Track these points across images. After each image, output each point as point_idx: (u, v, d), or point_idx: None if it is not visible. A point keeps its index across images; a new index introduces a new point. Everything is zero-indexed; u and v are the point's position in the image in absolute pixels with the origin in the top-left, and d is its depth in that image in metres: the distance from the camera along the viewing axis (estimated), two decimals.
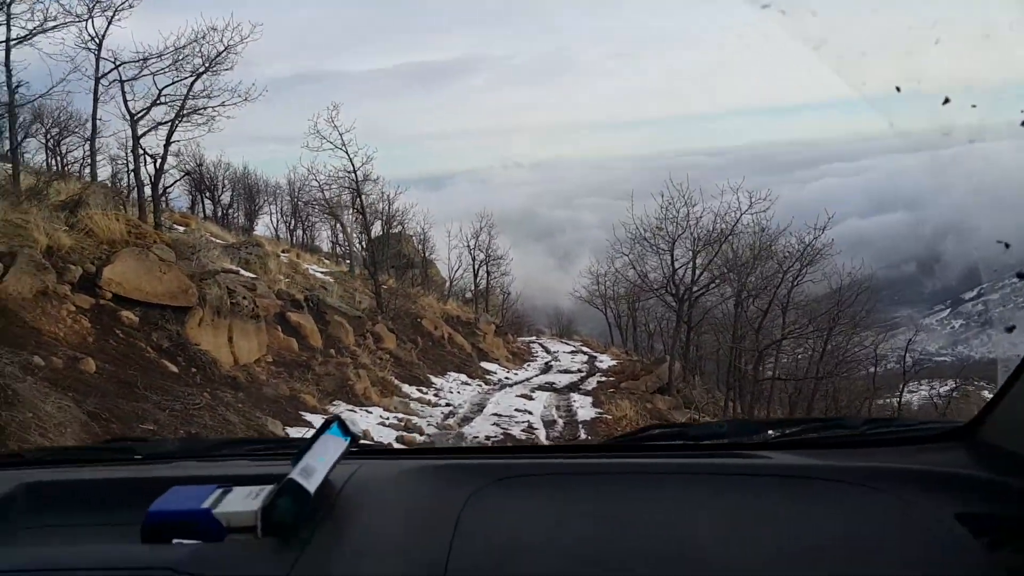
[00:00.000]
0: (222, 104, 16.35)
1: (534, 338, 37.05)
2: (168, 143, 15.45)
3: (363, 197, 18.97)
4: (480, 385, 18.62)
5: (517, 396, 16.19)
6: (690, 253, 17.33)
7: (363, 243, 20.10)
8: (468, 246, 31.49)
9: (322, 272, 24.57)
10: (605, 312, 42.89)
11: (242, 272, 17.49)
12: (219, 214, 36.64)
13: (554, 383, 20.16)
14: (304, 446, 1.24)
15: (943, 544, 1.10)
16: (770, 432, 1.72)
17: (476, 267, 31.98)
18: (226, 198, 37.75)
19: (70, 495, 1.37)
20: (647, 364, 20.33)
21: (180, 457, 1.69)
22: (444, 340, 22.17)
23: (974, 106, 1.29)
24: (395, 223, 29.22)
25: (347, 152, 18.80)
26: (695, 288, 17.26)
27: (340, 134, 18.82)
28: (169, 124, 15.46)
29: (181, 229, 21.79)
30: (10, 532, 1.27)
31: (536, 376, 22.53)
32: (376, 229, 30.92)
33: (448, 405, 14.34)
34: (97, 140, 18.04)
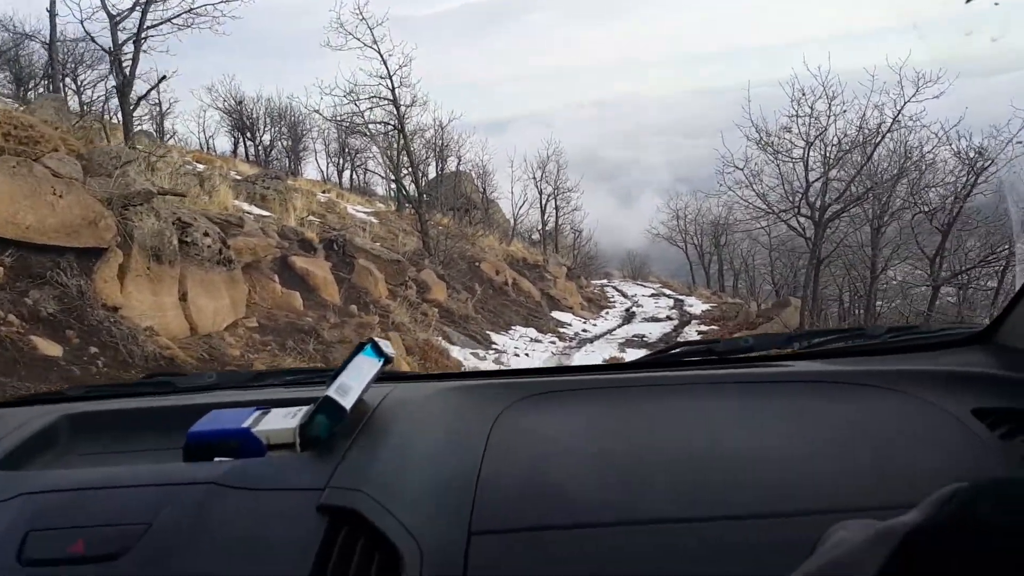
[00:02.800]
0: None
1: (605, 281, 32.62)
2: (139, 38, 11.43)
3: (401, 109, 14.62)
4: (553, 342, 14.45)
5: (603, 359, 11.94)
6: (820, 165, 12.62)
7: (407, 168, 15.73)
8: (534, 178, 26.92)
9: (365, 212, 20.61)
10: (686, 249, 38.09)
11: (248, 211, 13.59)
12: (260, 155, 33.06)
13: (644, 336, 15.85)
14: (339, 368, 1.22)
15: (961, 437, 1.13)
16: (795, 344, 1.70)
17: (543, 202, 27.41)
18: (268, 139, 34.24)
19: (112, 423, 1.37)
20: (765, 309, 15.73)
21: (219, 388, 1.65)
22: (508, 287, 18.02)
23: None
24: (450, 155, 24.92)
25: (379, 51, 14.45)
26: (835, 206, 12.51)
27: (371, 28, 14.43)
28: (141, 11, 11.41)
29: (200, 167, 18.12)
30: (56, 458, 1.26)
31: (619, 327, 18.23)
32: (431, 168, 27.02)
33: None
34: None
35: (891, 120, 11.38)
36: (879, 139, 11.51)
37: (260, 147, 33.99)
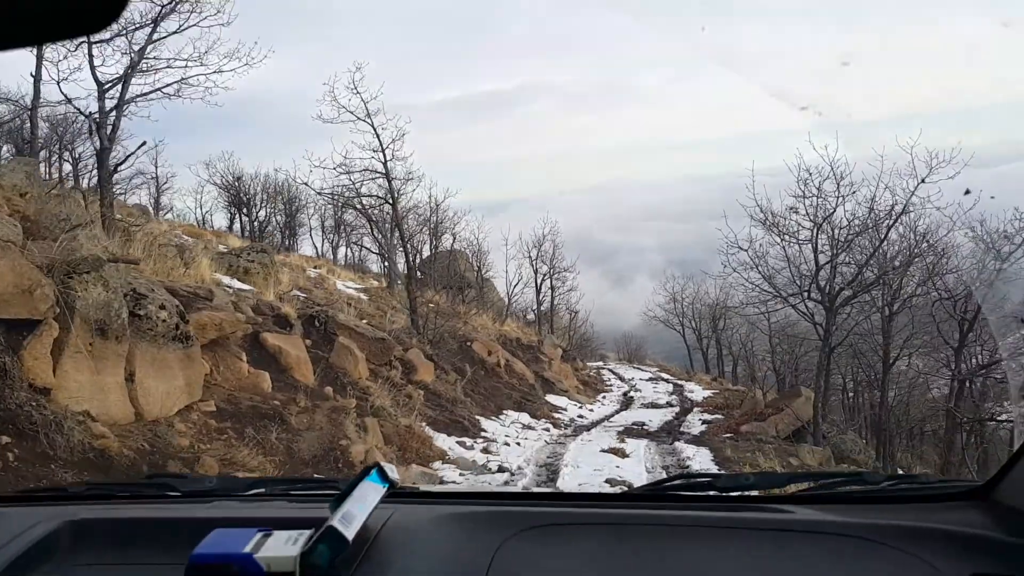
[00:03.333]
0: (212, 69, 11.94)
1: (601, 363, 31.70)
2: (121, 103, 10.92)
3: (393, 182, 14.02)
4: (547, 429, 13.48)
5: (602, 450, 10.98)
6: (828, 248, 11.92)
7: (397, 242, 15.00)
8: (529, 257, 26.30)
9: (356, 288, 19.90)
10: (683, 333, 37.30)
11: (228, 284, 12.85)
12: (255, 231, 32.61)
13: (645, 424, 14.87)
14: (344, 491, 1.24)
15: None
16: (794, 486, 1.68)
17: (539, 281, 26.72)
18: (264, 215, 33.85)
19: (114, 533, 1.36)
20: (774, 399, 14.81)
21: (218, 496, 1.65)
22: (500, 368, 17.13)
23: None
24: (444, 232, 24.40)
25: (372, 124, 13.96)
26: (846, 291, 11.74)
27: (364, 102, 14.00)
28: (123, 79, 10.93)
29: (187, 239, 17.51)
30: (57, 566, 1.27)
31: (617, 413, 17.26)
32: (425, 246, 26.47)
33: (503, 469, 9.22)
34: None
35: (904, 202, 10.74)
36: (892, 221, 10.87)
37: (255, 223, 33.68)
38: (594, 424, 15.01)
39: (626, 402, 19.69)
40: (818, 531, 1.30)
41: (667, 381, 25.92)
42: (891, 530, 1.27)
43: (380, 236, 16.04)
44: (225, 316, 8.34)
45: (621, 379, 26.09)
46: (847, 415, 15.38)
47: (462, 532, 1.31)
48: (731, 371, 36.03)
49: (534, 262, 26.30)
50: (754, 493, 1.63)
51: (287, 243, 34.48)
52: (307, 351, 9.75)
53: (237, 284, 13.57)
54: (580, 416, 15.84)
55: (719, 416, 15.64)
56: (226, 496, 1.64)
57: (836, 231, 11.90)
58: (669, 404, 18.99)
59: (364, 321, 14.42)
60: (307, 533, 1.12)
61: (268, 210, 33.60)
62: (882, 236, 11.24)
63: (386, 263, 17.20)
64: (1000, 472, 1.41)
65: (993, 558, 1.19)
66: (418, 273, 28.17)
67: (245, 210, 33.60)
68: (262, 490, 1.71)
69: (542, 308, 27.48)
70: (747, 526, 1.34)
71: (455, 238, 26.20)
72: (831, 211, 11.69)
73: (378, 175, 13.99)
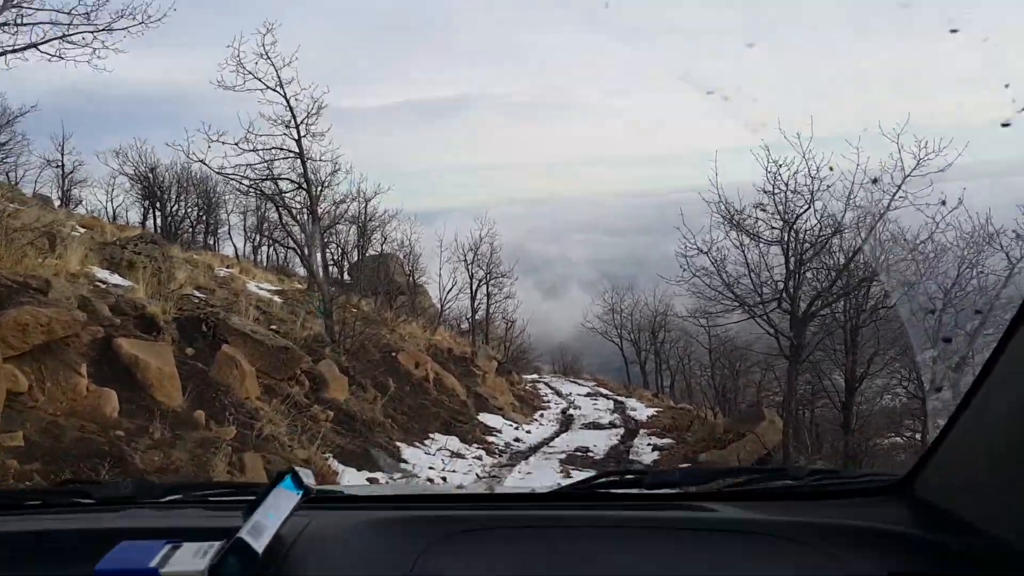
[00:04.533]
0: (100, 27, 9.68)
1: (537, 376, 29.97)
2: None
3: (308, 163, 11.86)
4: (479, 457, 11.59)
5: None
6: (799, 251, 10.43)
7: (317, 236, 12.83)
8: (464, 260, 24.31)
9: (271, 290, 17.63)
10: (621, 345, 35.89)
11: (103, 279, 10.58)
12: (171, 227, 29.75)
13: (589, 450, 13.14)
14: (257, 499, 1.16)
15: None
16: (719, 482, 1.65)
17: (474, 287, 24.75)
18: (181, 210, 30.96)
19: (20, 546, 1.32)
20: (733, 422, 13.21)
21: (134, 502, 1.61)
22: (429, 383, 15.17)
23: None
24: (373, 229, 22.27)
25: (283, 94, 11.80)
26: (822, 297, 10.20)
27: (276, 69, 11.84)
28: None
29: (81, 232, 15.00)
30: None
31: (556, 435, 15.48)
32: (352, 248, 24.25)
33: None
34: None
35: (890, 197, 9.25)
36: (879, 217, 9.37)
37: (169, 219, 30.78)
38: (533, 449, 13.20)
39: (565, 421, 17.96)
40: (738, 530, 1.31)
41: (606, 397, 24.34)
42: (809, 528, 1.28)
43: (292, 225, 13.78)
44: (56, 314, 6.19)
45: (559, 394, 24.40)
46: (814, 440, 13.99)
47: (382, 538, 1.27)
48: (669, 386, 34.89)
49: (470, 266, 24.34)
50: (680, 491, 1.61)
51: (205, 241, 31.78)
52: (182, 363, 7.64)
53: (116, 279, 11.31)
54: (516, 440, 14.00)
55: (669, 440, 14.03)
56: (140, 504, 1.60)
57: (805, 232, 10.40)
58: (612, 424, 17.34)
59: (270, 328, 12.29)
60: (217, 545, 1.07)
61: (184, 205, 30.79)
62: (863, 236, 9.75)
63: (304, 260, 15.00)
64: (916, 466, 1.42)
65: (909, 555, 1.20)
66: (345, 276, 25.99)
67: (159, 204, 30.83)
68: (179, 496, 1.64)
69: (477, 316, 25.56)
70: (670, 526, 1.35)
71: (385, 239, 24.10)
72: (805, 207, 10.15)
73: (290, 155, 11.87)
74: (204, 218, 31.04)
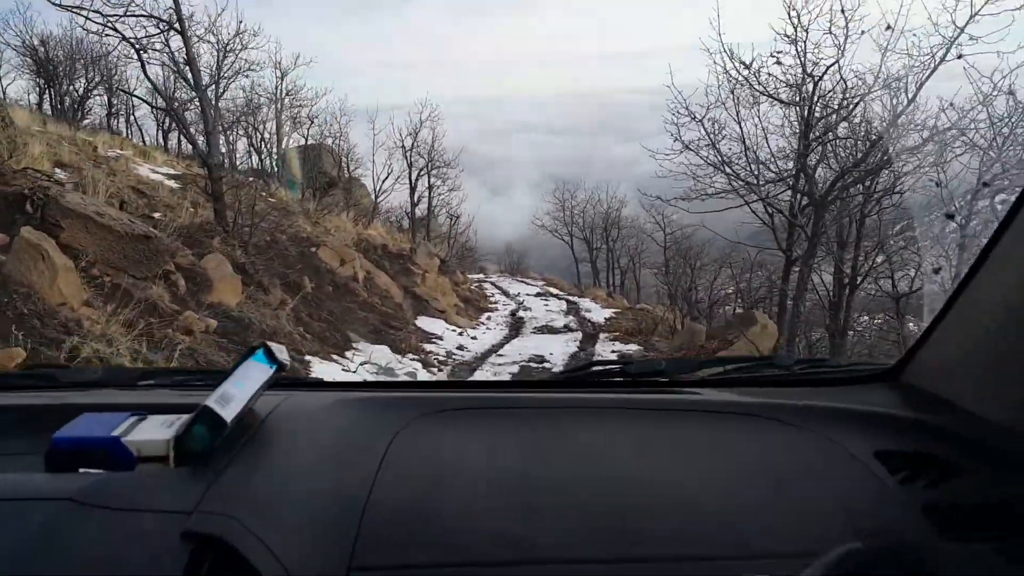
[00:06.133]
0: None
1: (482, 276, 27.79)
2: None
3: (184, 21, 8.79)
4: (414, 372, 9.40)
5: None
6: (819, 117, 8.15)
7: (193, 82, 9.75)
8: (403, 146, 21.38)
9: (166, 173, 14.70)
10: (572, 244, 33.79)
11: None
12: (71, 108, 25.75)
13: (544, 359, 11.09)
14: (225, 373, 1.11)
15: (861, 479, 1.10)
16: (706, 371, 1.66)
17: (414, 177, 21.93)
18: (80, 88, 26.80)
19: None
20: (725, 325, 11.16)
21: (102, 385, 1.53)
22: (357, 283, 12.78)
23: None
24: (295, 109, 19.13)
25: None
26: (845, 178, 8.04)
27: None
28: None
29: None
30: None
31: (507, 341, 13.40)
32: (282, 137, 21.04)
33: None
34: None
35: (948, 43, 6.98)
36: (931, 71, 7.12)
37: (65, 98, 26.69)
38: (479, 359, 11.09)
39: (515, 325, 15.89)
40: (724, 411, 1.29)
41: (557, 297, 22.36)
42: (799, 410, 1.25)
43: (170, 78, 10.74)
44: None
45: (506, 294, 22.30)
46: (805, 346, 12.18)
47: (358, 419, 1.21)
48: (619, 286, 33.23)
49: (408, 153, 21.45)
50: (665, 379, 1.55)
51: (111, 125, 27.91)
52: None
53: None
54: (460, 348, 11.84)
55: (635, 346, 12.07)
56: (109, 385, 1.52)
57: (829, 94, 8.10)
58: (568, 328, 15.34)
59: (147, 214, 9.63)
60: (185, 418, 1.00)
61: (84, 83, 26.63)
62: (911, 95, 7.48)
63: (178, 123, 12.03)
64: (907, 354, 1.40)
65: (897, 435, 1.19)
66: (272, 167, 22.87)
67: (54, 82, 26.65)
68: (150, 382, 1.56)
69: (419, 211, 22.89)
70: (654, 407, 1.32)
71: (312, 122, 20.94)
72: (834, 59, 7.78)
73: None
74: (108, 99, 27.01)
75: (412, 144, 21.25)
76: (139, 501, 0.86)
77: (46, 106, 25.94)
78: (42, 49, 26.31)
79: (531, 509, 0.99)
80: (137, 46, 8.33)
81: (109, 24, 8.26)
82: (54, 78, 26.68)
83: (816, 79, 7.86)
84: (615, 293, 26.94)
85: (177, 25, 8.54)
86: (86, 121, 25.23)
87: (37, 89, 26.97)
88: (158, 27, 8.49)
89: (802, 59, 7.81)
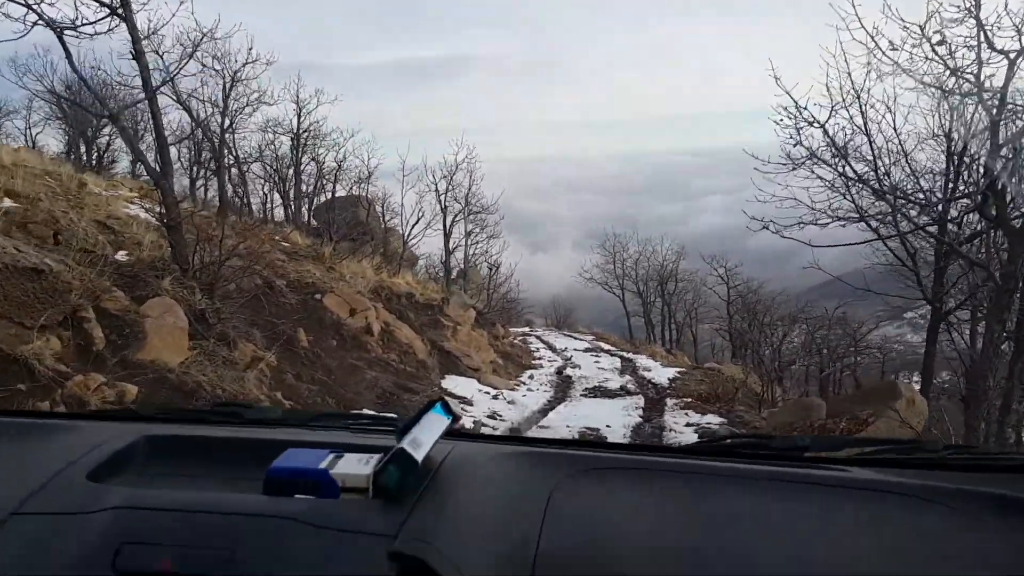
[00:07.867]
0: None
1: (527, 329, 25.38)
2: None
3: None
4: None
5: None
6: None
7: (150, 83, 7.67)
8: (436, 190, 19.36)
9: (147, 208, 12.83)
10: (623, 297, 31.22)
11: None
12: (100, 158, 24.53)
13: (599, 431, 8.57)
14: (410, 421, 1.24)
15: (1019, 567, 1.05)
16: (849, 449, 1.59)
17: (448, 222, 19.85)
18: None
19: (188, 449, 1.37)
20: (851, 398, 8.36)
21: (281, 424, 1.69)
22: (371, 336, 10.53)
23: None
24: (318, 148, 17.31)
25: None
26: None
27: None
28: None
29: None
30: (136, 475, 1.27)
31: (551, 407, 10.89)
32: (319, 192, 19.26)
33: None
34: None
35: None
36: None
37: (96, 148, 25.58)
38: (516, 427, 8.64)
39: (562, 385, 13.39)
40: (873, 489, 1.25)
41: (609, 353, 19.79)
42: (948, 491, 1.20)
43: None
44: None
45: (552, 349, 19.82)
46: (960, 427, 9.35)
47: (521, 470, 1.29)
48: (676, 341, 30.44)
49: (442, 196, 19.40)
50: (810, 455, 1.50)
51: (134, 171, 26.73)
52: None
53: None
54: (493, 416, 9.39)
55: (716, 417, 9.45)
56: (290, 425, 1.67)
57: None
58: (625, 390, 12.76)
59: (99, 249, 7.59)
60: (377, 456, 1.13)
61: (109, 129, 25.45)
62: None
63: (123, 135, 10.08)
64: None
65: None
66: (313, 222, 21.13)
67: (85, 132, 25.59)
68: (323, 423, 1.70)
69: (452, 258, 20.71)
70: (801, 480, 1.29)
71: (340, 167, 19.06)
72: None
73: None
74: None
75: (447, 187, 19.17)
76: (351, 523, 1.02)
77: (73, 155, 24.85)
78: (66, 93, 25.43)
79: (688, 570, 1.01)
80: (58, 29, 6.36)
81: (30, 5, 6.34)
82: (76, 124, 25.58)
83: (1013, 57, 5.41)
84: (673, 349, 24.20)
85: (121, 11, 6.59)
86: (115, 171, 23.97)
87: (66, 138, 25.99)
88: (106, 9, 6.55)
89: (984, 33, 5.40)
